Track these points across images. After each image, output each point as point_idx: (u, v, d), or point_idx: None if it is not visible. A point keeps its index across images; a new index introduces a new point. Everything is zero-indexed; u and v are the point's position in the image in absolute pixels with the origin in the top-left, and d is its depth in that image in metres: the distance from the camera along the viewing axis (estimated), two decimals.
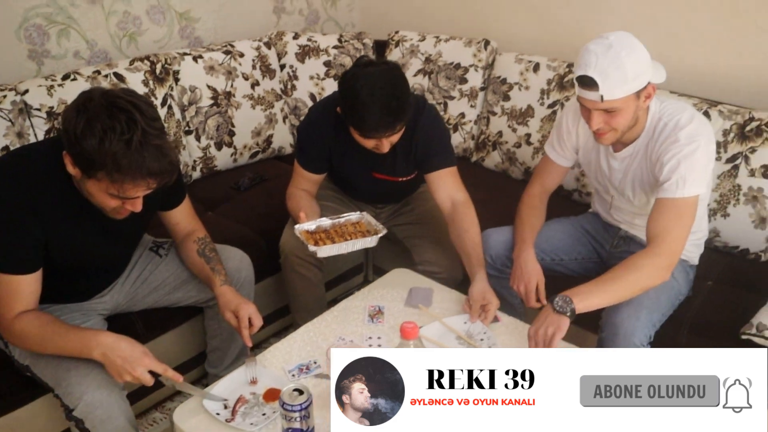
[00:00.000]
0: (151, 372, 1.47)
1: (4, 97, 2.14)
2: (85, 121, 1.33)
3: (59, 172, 1.47)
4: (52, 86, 2.25)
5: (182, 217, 1.84)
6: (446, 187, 2.01)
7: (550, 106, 2.58)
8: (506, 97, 2.71)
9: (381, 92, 1.75)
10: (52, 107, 2.23)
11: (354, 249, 1.83)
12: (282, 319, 2.44)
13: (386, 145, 1.86)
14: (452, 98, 2.85)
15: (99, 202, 1.47)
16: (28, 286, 1.51)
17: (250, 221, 2.39)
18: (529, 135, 2.64)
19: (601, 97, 1.60)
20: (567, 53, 2.66)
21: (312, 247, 1.77)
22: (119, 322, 1.87)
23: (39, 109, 2.21)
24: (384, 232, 1.86)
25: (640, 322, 1.69)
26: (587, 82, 1.61)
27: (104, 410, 1.52)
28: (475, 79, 2.80)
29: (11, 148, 2.12)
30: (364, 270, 2.77)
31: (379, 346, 1.69)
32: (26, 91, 2.20)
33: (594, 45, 1.61)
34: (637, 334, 1.68)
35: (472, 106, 2.83)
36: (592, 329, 1.84)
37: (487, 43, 2.80)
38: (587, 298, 1.60)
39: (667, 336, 1.79)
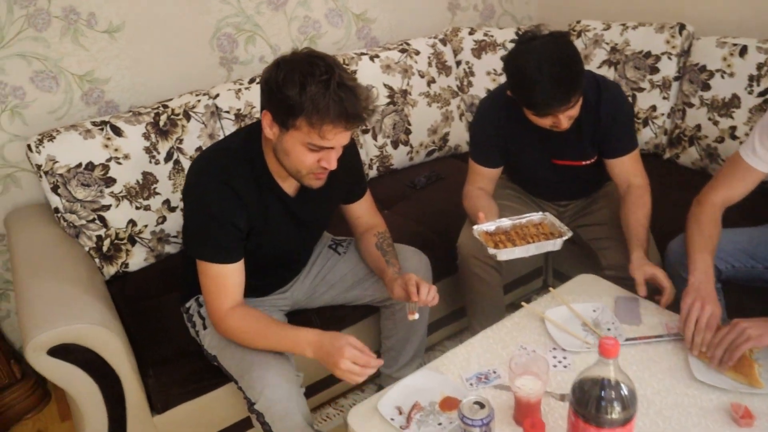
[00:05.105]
0: None
1: (199, 101, 2.27)
2: (286, 71, 1.40)
3: (255, 162, 1.57)
4: (239, 90, 2.36)
5: (364, 211, 1.86)
6: (626, 171, 1.92)
7: (760, 95, 2.26)
8: (705, 87, 2.43)
9: (548, 65, 1.63)
10: (239, 109, 2.34)
11: (537, 252, 1.71)
12: (457, 321, 2.36)
13: (564, 121, 1.73)
14: (642, 90, 2.61)
15: (296, 162, 1.49)
16: (237, 276, 1.57)
17: (426, 220, 2.35)
18: (734, 128, 2.34)
19: None
20: None
21: (492, 250, 1.68)
22: (297, 319, 1.89)
23: (228, 112, 2.32)
24: (569, 234, 1.72)
25: None
26: None
27: (282, 406, 1.53)
28: (668, 67, 2.55)
29: (204, 148, 2.24)
30: (543, 274, 2.63)
31: (564, 358, 1.56)
32: (217, 95, 2.33)
33: None
34: None
35: (664, 97, 2.57)
36: None
37: (682, 27, 2.53)
38: None
39: None
